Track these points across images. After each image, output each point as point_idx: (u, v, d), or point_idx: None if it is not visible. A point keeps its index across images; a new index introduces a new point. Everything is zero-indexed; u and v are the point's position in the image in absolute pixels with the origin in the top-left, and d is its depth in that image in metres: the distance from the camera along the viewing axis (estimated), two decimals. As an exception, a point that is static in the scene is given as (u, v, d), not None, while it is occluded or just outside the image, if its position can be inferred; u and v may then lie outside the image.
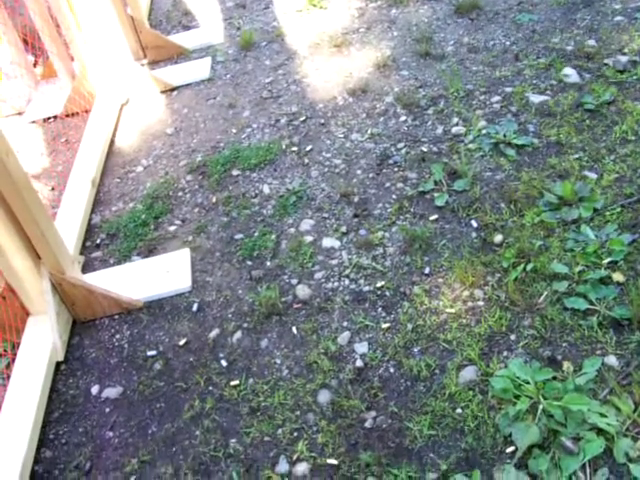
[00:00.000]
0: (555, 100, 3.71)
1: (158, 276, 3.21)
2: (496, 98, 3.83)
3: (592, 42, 4.10)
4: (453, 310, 2.74)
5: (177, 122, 4.37)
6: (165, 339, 2.92)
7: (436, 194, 3.28)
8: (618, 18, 4.29)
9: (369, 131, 3.81)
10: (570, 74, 3.86)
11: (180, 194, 3.73)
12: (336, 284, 2.97)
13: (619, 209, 2.99)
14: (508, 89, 3.88)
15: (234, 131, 4.12)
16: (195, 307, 3.04)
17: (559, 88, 3.80)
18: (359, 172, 3.54)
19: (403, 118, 3.84)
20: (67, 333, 3.02)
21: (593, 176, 3.19)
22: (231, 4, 5.77)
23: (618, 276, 2.72)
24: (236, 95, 4.47)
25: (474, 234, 3.05)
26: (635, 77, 3.73)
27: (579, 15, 4.42)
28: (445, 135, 3.64)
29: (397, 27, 4.79)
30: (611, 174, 3.17)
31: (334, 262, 3.08)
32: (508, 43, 4.31)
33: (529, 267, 2.81)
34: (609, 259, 2.77)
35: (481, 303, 2.74)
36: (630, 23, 4.21)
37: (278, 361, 2.71)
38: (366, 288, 2.92)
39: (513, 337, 2.59)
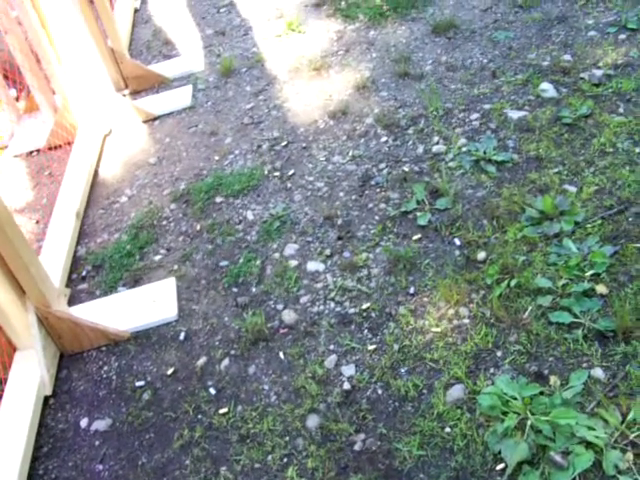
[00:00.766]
0: (533, 115, 3.74)
1: (144, 306, 3.21)
2: (475, 115, 3.85)
3: (567, 57, 4.14)
4: (439, 329, 2.74)
5: (160, 151, 4.39)
6: (153, 369, 2.92)
7: (418, 213, 3.30)
8: (592, 33, 4.33)
9: (350, 153, 3.83)
10: (547, 89, 3.90)
11: (164, 223, 3.73)
12: (322, 307, 2.98)
13: (600, 221, 3.01)
14: (487, 106, 3.91)
15: (216, 158, 4.13)
16: (182, 336, 3.04)
17: (537, 103, 3.83)
18: (342, 194, 3.56)
19: (384, 139, 3.87)
20: (55, 367, 3.01)
21: (573, 189, 3.21)
22: (211, 32, 5.81)
23: (601, 288, 2.73)
24: (218, 122, 4.49)
25: (457, 252, 3.06)
26: (610, 90, 3.77)
27: (554, 31, 4.46)
28: (426, 154, 3.67)
29: (376, 48, 4.82)
30: (591, 187, 3.20)
31: (319, 285, 3.08)
32: (485, 61, 4.35)
33: (513, 283, 2.82)
34: (592, 271, 2.79)
35: (466, 321, 2.75)
36: (603, 38, 4.26)
37: (266, 387, 2.71)
38: (352, 310, 2.93)
39: (499, 354, 2.60)
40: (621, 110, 3.62)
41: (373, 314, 2.89)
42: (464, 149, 3.60)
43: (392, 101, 4.18)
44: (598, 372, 2.46)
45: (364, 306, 2.93)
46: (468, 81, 4.18)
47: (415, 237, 3.19)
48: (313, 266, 3.19)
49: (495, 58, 4.35)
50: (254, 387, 2.72)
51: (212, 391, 2.76)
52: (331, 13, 5.52)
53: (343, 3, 5.60)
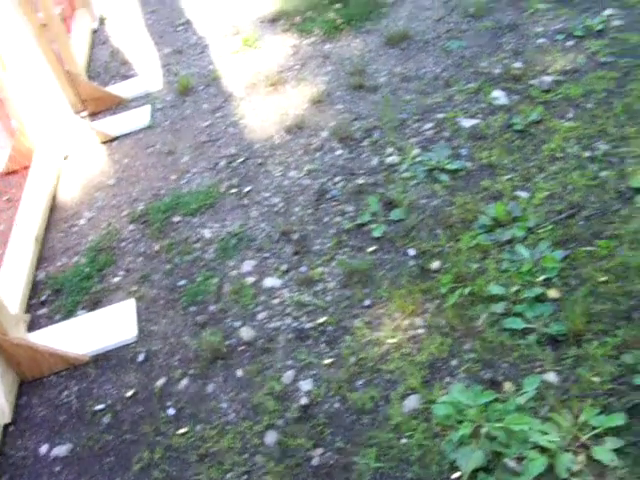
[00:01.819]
0: (486, 123, 3.78)
1: (104, 329, 3.20)
2: (429, 125, 3.89)
3: (518, 64, 4.20)
4: (394, 340, 2.76)
5: (118, 172, 4.38)
6: (113, 392, 2.91)
7: (373, 225, 3.32)
8: (541, 40, 4.40)
9: (306, 167, 3.85)
10: (499, 97, 3.95)
11: (123, 244, 3.73)
12: (279, 323, 2.99)
13: (551, 226, 3.05)
14: (440, 115, 3.95)
15: (174, 177, 4.13)
16: (142, 357, 3.03)
17: (489, 111, 3.88)
18: (298, 209, 3.58)
19: (339, 152, 3.89)
20: (14, 394, 2.99)
21: (525, 195, 3.25)
22: (168, 50, 5.82)
23: (553, 293, 2.77)
24: (175, 141, 4.50)
25: (412, 262, 3.09)
26: (560, 96, 3.82)
27: (505, 39, 4.52)
28: (380, 166, 3.70)
29: (331, 62, 4.86)
30: (542, 192, 3.24)
31: (276, 301, 3.09)
32: (438, 70, 4.39)
33: (467, 291, 2.85)
34: (544, 276, 2.82)
35: (421, 331, 2.77)
36: (552, 45, 4.32)
37: (225, 405, 2.71)
38: (308, 325, 2.94)
39: (454, 362, 2.62)
40: (570, 115, 3.67)
41: (330, 328, 2.90)
42: (418, 159, 3.64)
43: (347, 114, 4.21)
44: (551, 376, 2.49)
45: (321, 320, 2.94)
46: (422, 91, 4.22)
47: (370, 249, 3.21)
48: (270, 282, 3.20)
49: (448, 67, 4.40)
50: (213, 405, 2.72)
51: (171, 411, 2.75)
52: (287, 28, 5.55)
53: (298, 18, 5.64)
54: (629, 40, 4.15)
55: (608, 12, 4.47)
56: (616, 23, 4.35)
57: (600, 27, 4.32)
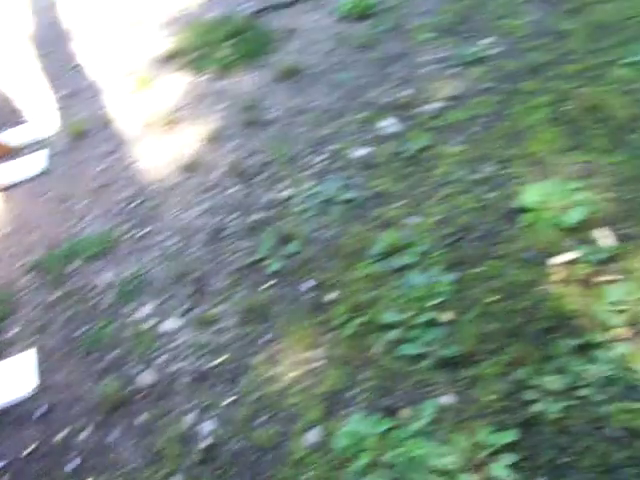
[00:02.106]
0: (377, 152, 3.85)
1: (3, 383, 3.12)
2: (322, 157, 3.94)
3: (406, 93, 4.30)
4: (294, 374, 2.78)
5: (13, 221, 4.29)
6: (12, 449, 2.84)
7: (270, 260, 3.34)
8: (428, 68, 4.52)
9: (202, 206, 3.85)
10: (389, 125, 4.03)
11: (20, 295, 3.65)
12: (179, 365, 2.97)
13: (442, 250, 3.12)
14: (333, 146, 4.01)
15: (70, 224, 4.07)
16: (43, 409, 2.98)
17: (380, 139, 3.95)
18: (195, 249, 3.57)
19: (234, 189, 3.91)
20: None
21: (416, 221, 3.32)
22: (62, 93, 5.74)
23: (446, 315, 2.83)
24: (70, 187, 4.43)
25: (309, 295, 3.11)
26: (447, 122, 3.93)
27: (393, 69, 4.62)
28: (275, 200, 3.72)
29: (226, 98, 4.88)
30: (432, 217, 3.31)
31: (176, 343, 3.08)
32: (330, 102, 4.46)
33: (363, 320, 2.89)
34: (437, 300, 2.88)
35: (320, 363, 2.79)
36: (438, 72, 4.44)
37: (128, 453, 2.68)
38: (209, 365, 2.93)
39: (353, 392, 2.65)
40: (457, 140, 3.78)
41: (230, 367, 2.90)
42: (312, 191, 3.68)
43: (242, 150, 4.23)
44: (447, 399, 2.54)
45: (221, 359, 2.94)
46: (314, 123, 4.28)
47: (267, 284, 3.23)
48: (169, 324, 3.18)
49: (339, 99, 4.47)
50: (116, 454, 2.68)
51: (74, 465, 2.70)
52: (181, 66, 5.55)
53: (193, 55, 5.64)
54: (507, 66, 4.30)
55: (488, 40, 4.63)
56: (496, 50, 4.50)
57: (481, 54, 4.47)
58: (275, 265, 3.30)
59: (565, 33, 4.50)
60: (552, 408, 2.45)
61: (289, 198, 3.71)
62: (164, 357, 3.03)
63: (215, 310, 3.18)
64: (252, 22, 5.82)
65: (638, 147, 3.45)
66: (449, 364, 2.64)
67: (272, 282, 3.23)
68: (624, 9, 4.55)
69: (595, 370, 2.54)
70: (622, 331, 2.66)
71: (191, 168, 4.21)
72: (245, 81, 5.04)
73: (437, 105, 4.10)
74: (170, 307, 3.27)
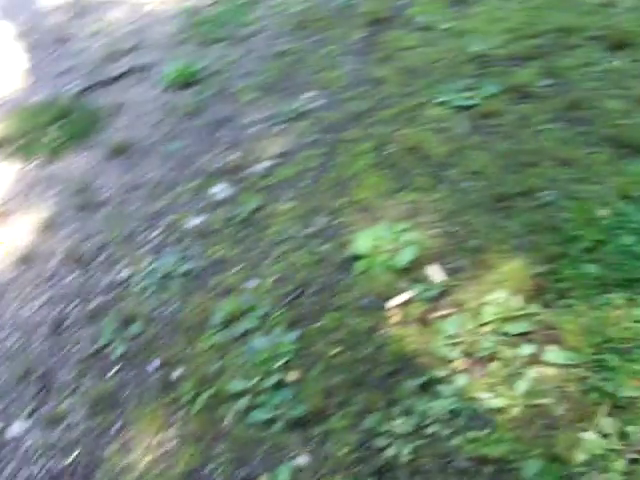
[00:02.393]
0: (211, 219, 3.86)
1: None
2: (157, 231, 3.92)
3: (236, 155, 4.35)
4: (149, 459, 2.73)
5: None
6: None
7: (114, 345, 3.27)
8: (254, 129, 4.59)
9: (42, 298, 3.74)
10: (220, 190, 4.05)
11: None
12: (30, 471, 2.86)
13: (282, 309, 3.14)
14: (168, 219, 3.99)
15: None
16: None
17: (213, 206, 3.96)
18: (37, 344, 3.46)
19: (73, 276, 3.82)
20: None
21: (255, 283, 3.34)
22: None
23: (293, 375, 2.85)
24: None
25: (156, 375, 3.07)
26: (277, 180, 4.00)
27: (222, 132, 4.67)
28: (114, 282, 3.66)
29: (56, 183, 4.77)
30: (270, 277, 3.34)
31: (24, 448, 2.96)
32: (162, 173, 4.45)
33: (211, 393, 2.87)
34: (282, 361, 2.90)
35: (173, 443, 2.75)
36: (264, 131, 4.52)
37: None
38: (61, 465, 2.84)
39: (210, 468, 2.63)
40: (288, 197, 3.84)
41: (83, 462, 2.82)
42: (150, 268, 3.64)
43: (77, 235, 4.14)
44: (302, 459, 2.55)
45: (72, 457, 2.85)
46: (148, 198, 4.25)
47: (113, 371, 3.16)
48: (16, 429, 3.06)
49: (171, 169, 4.47)
50: None
51: None
52: (8, 155, 5.39)
53: (20, 142, 5.50)
54: (330, 118, 4.42)
55: (310, 94, 4.76)
56: (317, 103, 4.63)
57: (304, 109, 4.58)
58: (119, 349, 3.23)
59: (380, 80, 4.69)
60: (403, 451, 2.50)
61: (128, 278, 3.66)
62: (13, 464, 2.90)
63: (63, 406, 3.08)
64: (78, 101, 5.75)
65: (456, 181, 3.61)
66: (300, 424, 2.66)
67: (118, 367, 3.17)
68: (429, 54, 4.80)
69: (439, 406, 2.61)
70: (460, 363, 2.75)
71: (27, 260, 4.08)
72: (75, 163, 4.96)
73: (266, 164, 4.16)
74: (15, 410, 3.15)
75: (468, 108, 4.17)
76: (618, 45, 4.36)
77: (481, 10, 5.27)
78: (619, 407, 2.47)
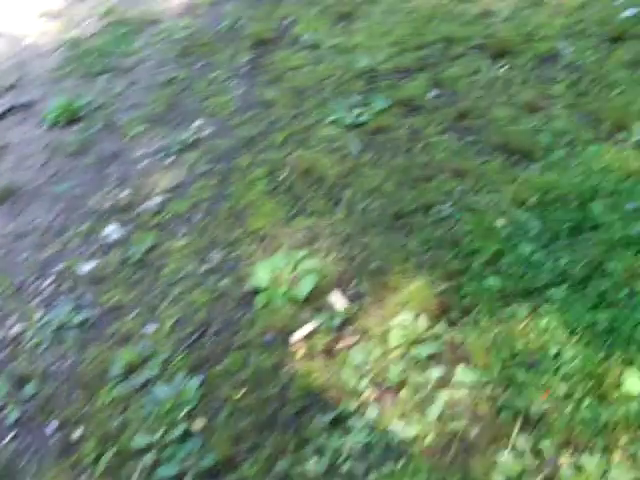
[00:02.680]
0: (103, 263, 3.69)
1: None
2: (48, 281, 3.72)
3: (125, 193, 4.19)
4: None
5: None
6: None
7: (8, 409, 3.07)
8: (143, 163, 4.43)
9: None
10: (112, 232, 3.89)
11: None
12: None
13: (184, 353, 3.02)
14: (58, 267, 3.80)
15: None
16: None
17: (105, 249, 3.79)
18: None
19: (-41, 336, 3.59)
20: None
21: (154, 328, 3.20)
22: None
23: (198, 424, 2.73)
24: None
25: (55, 437, 2.89)
26: (169, 215, 3.86)
27: (110, 170, 4.50)
28: (5, 340, 3.45)
29: (-60, 237, 4.52)
30: (169, 320, 3.21)
31: None
32: (51, 218, 4.24)
33: (114, 451, 2.71)
34: (186, 409, 2.78)
35: (76, 511, 2.58)
36: (154, 165, 4.38)
37: None
38: None
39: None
40: (182, 233, 3.71)
41: (-20, 543, 2.61)
42: (42, 321, 3.44)
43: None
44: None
45: (-32, 538, 2.64)
46: (37, 245, 4.04)
47: (9, 437, 2.96)
48: None
49: (60, 213, 4.27)
50: None
51: None
52: None
53: None
54: (221, 146, 4.32)
55: (199, 123, 4.65)
56: (207, 132, 4.52)
57: (194, 138, 4.47)
58: (14, 413, 3.03)
59: (269, 102, 4.62)
60: (318, 492, 2.41)
61: (20, 334, 3.45)
62: None
63: (-47, 483, 2.86)
64: (-42, 147, 5.48)
65: (353, 202, 3.56)
66: (210, 475, 2.55)
67: (14, 433, 2.97)
68: (317, 72, 4.76)
69: (352, 441, 2.54)
70: (370, 393, 2.68)
71: None
72: (-43, 214, 4.70)
73: (158, 200, 4.02)
74: None
75: (359, 125, 4.14)
76: (500, 53, 4.42)
77: (365, 25, 5.27)
78: (531, 423, 2.43)
